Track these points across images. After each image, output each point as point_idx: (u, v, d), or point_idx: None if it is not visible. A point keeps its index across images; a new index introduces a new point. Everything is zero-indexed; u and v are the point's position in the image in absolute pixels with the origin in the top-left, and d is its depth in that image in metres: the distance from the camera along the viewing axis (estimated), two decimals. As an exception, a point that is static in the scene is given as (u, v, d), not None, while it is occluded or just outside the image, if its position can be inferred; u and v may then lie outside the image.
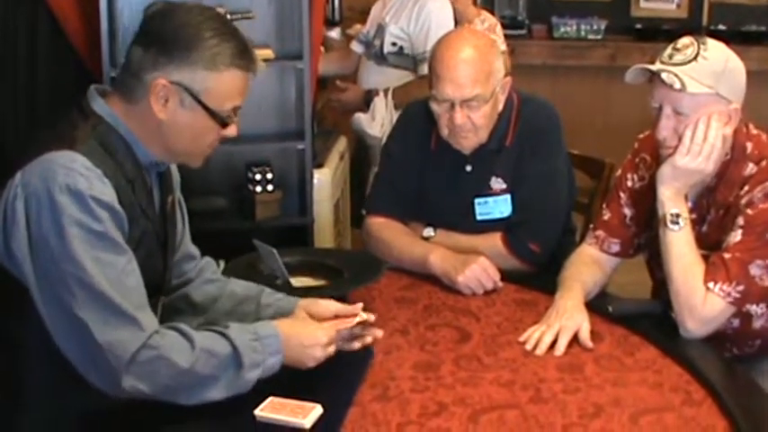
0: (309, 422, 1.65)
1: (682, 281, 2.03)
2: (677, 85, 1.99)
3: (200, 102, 1.71)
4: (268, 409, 1.68)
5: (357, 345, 1.90)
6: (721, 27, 6.16)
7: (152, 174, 1.82)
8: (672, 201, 2.07)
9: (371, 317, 1.92)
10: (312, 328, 1.82)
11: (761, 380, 2.07)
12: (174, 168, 1.94)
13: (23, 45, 3.16)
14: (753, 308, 2.12)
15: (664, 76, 2.01)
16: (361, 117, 3.82)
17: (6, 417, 1.68)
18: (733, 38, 5.46)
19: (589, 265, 2.29)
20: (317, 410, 1.67)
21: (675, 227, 2.05)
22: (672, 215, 2.05)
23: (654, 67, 2.05)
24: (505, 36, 4.19)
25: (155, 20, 1.74)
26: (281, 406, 1.69)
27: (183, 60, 1.69)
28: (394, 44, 3.80)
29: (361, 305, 1.94)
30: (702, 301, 2.00)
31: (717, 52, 2.04)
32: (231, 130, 1.80)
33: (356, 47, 4.11)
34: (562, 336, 1.99)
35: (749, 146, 2.10)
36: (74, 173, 1.60)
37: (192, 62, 1.69)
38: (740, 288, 2.00)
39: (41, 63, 3.21)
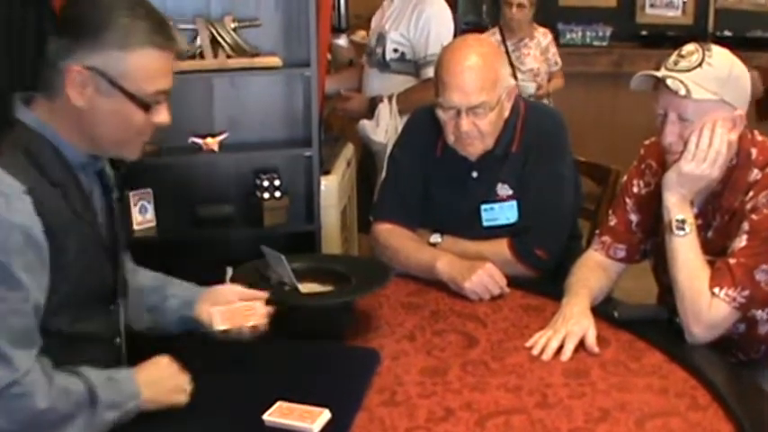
0: (318, 427, 1.66)
1: (687, 286, 2.04)
2: (682, 92, 2.00)
3: (117, 85, 1.62)
4: (276, 414, 1.69)
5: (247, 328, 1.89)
6: (726, 33, 6.18)
7: (89, 174, 1.74)
8: (677, 207, 2.07)
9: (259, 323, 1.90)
10: (170, 372, 1.73)
11: (767, 385, 2.08)
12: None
13: (31, 46, 3.17)
14: (758, 313, 2.13)
15: (669, 82, 2.02)
16: (366, 124, 3.86)
17: None
18: (738, 44, 5.46)
19: (595, 270, 2.29)
20: (324, 415, 1.68)
21: (681, 232, 2.06)
22: (678, 221, 2.06)
23: (659, 74, 2.06)
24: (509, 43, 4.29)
25: (67, 6, 1.66)
26: (290, 410, 1.69)
27: (95, 43, 1.59)
28: (395, 50, 3.85)
29: (266, 294, 1.94)
30: (708, 307, 2.01)
31: (722, 59, 2.05)
32: (161, 117, 1.70)
33: (365, 59, 4.17)
34: (568, 341, 2.00)
35: (754, 152, 2.11)
36: None
37: (103, 44, 1.59)
38: (745, 293, 2.00)
39: (48, 70, 3.22)
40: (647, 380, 1.88)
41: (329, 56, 4.42)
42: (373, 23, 4.13)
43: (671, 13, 6.53)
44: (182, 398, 1.70)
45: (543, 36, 5.33)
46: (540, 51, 5.28)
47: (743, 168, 2.10)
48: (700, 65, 2.03)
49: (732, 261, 2.03)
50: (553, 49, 5.37)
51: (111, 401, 1.61)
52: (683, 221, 2.06)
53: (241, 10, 3.44)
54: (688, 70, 2.03)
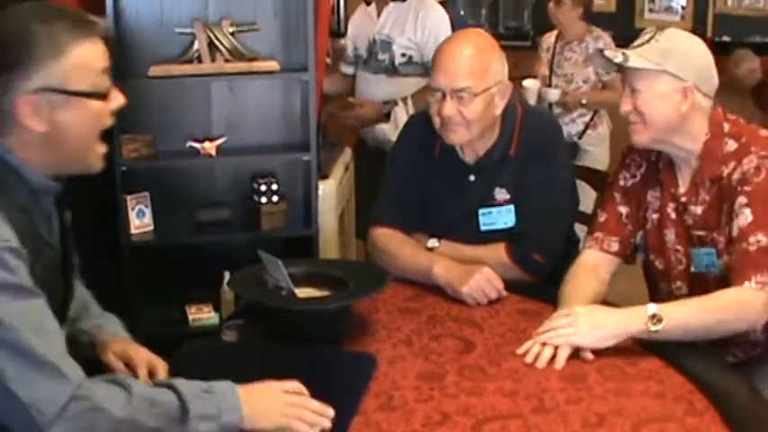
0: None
1: (718, 320, 2.02)
2: (618, 59, 2.13)
3: (68, 92, 1.58)
4: None
5: None
6: (725, 38, 6.17)
7: (49, 199, 1.71)
8: (629, 325, 2.00)
9: None
10: (277, 392, 1.69)
11: (766, 384, 2.08)
12: None
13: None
14: None
15: (607, 52, 2.20)
16: (384, 128, 3.88)
17: None
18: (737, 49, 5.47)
19: (587, 277, 2.29)
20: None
21: (659, 325, 1.98)
22: (651, 319, 1.98)
23: (607, 52, 2.22)
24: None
25: None
26: None
27: (29, 66, 1.55)
28: (403, 55, 3.90)
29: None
30: (746, 306, 2.02)
31: (672, 37, 2.17)
32: (116, 100, 1.67)
33: (347, 69, 4.22)
34: (561, 350, 1.99)
35: (726, 125, 2.18)
36: None
37: (37, 62, 1.55)
38: None
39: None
40: (644, 385, 1.88)
41: (328, 60, 4.41)
42: (356, 30, 4.16)
43: (670, 17, 6.52)
44: (285, 421, 1.64)
45: (595, 41, 4.71)
46: (584, 57, 4.72)
47: (716, 138, 2.17)
48: (648, 41, 2.16)
49: (749, 247, 2.05)
50: None
51: (203, 413, 1.56)
52: (653, 316, 1.98)
53: (239, 14, 3.44)
54: (638, 46, 2.17)
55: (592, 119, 4.78)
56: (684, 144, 2.18)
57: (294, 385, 1.71)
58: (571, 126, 4.73)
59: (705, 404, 1.79)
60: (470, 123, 2.43)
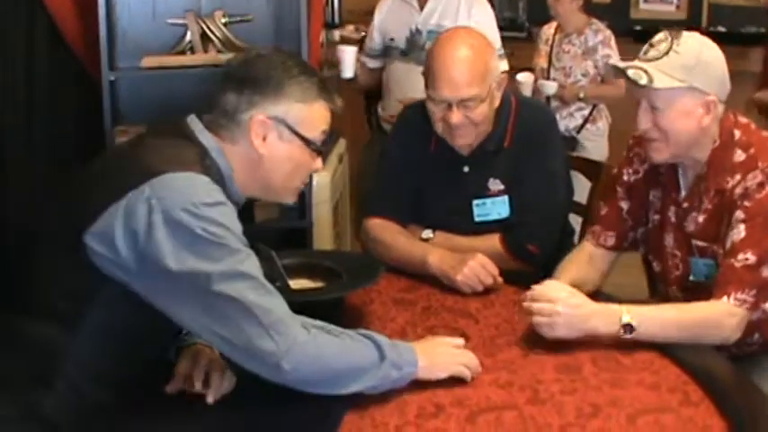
0: None
1: (692, 334, 1.99)
2: (643, 81, 2.03)
3: (296, 132, 1.82)
4: None
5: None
6: (720, 29, 6.18)
7: None
8: (599, 327, 1.98)
9: None
10: (446, 346, 1.91)
11: (761, 378, 2.08)
12: None
13: (21, 46, 3.16)
14: None
15: (630, 72, 2.06)
16: None
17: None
18: (732, 39, 5.47)
19: (580, 263, 2.31)
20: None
21: (630, 335, 1.96)
22: (624, 327, 1.96)
23: (621, 65, 2.10)
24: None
25: (242, 66, 1.85)
26: None
27: (278, 96, 1.80)
28: None
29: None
30: (720, 325, 2.00)
31: (690, 45, 2.07)
32: (318, 164, 1.92)
33: (373, 62, 4.07)
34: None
35: (737, 133, 2.13)
36: (208, 190, 1.69)
37: (286, 96, 1.81)
38: (753, 292, 2.01)
39: (39, 64, 3.21)
40: (640, 375, 1.87)
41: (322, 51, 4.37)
42: (389, 20, 3.96)
43: (665, 8, 6.53)
44: (457, 369, 1.83)
45: (594, 34, 4.67)
46: (583, 50, 4.67)
47: (726, 149, 2.11)
48: (667, 53, 2.05)
49: (735, 263, 2.02)
50: (605, 51, 4.65)
51: (394, 361, 1.76)
52: (627, 325, 1.96)
53: (232, 5, 3.42)
54: (655, 59, 2.06)
55: (591, 113, 4.71)
56: (695, 153, 2.14)
57: (457, 341, 1.93)
58: (569, 120, 4.67)
59: (700, 395, 1.78)
60: (479, 125, 2.44)
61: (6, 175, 3.08)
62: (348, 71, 3.92)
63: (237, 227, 1.72)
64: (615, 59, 4.51)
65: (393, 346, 1.78)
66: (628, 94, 4.43)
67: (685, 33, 2.10)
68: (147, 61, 3.27)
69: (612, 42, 4.67)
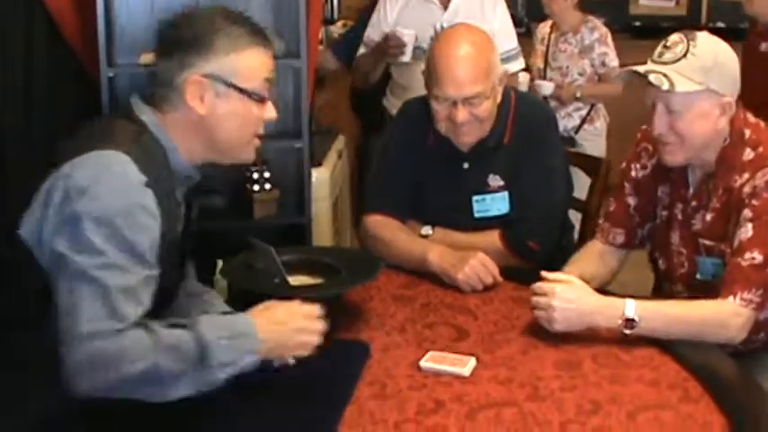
0: (468, 371, 1.85)
1: (693, 332, 1.99)
2: (665, 87, 2.02)
3: (233, 86, 1.77)
4: (431, 361, 1.88)
5: None
6: (720, 24, 6.17)
7: (182, 190, 1.87)
8: (600, 321, 1.99)
9: None
10: (287, 307, 1.79)
11: (762, 375, 2.08)
12: None
13: (20, 43, 3.16)
14: None
15: (652, 77, 2.04)
16: None
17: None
18: (731, 35, 5.45)
19: (590, 258, 2.32)
20: (472, 362, 1.87)
21: (631, 330, 1.96)
22: (626, 322, 1.96)
23: (641, 69, 2.08)
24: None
25: (168, 30, 1.82)
26: (442, 358, 1.89)
27: (207, 52, 1.75)
28: None
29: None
30: (726, 325, 2.00)
31: (706, 47, 2.06)
32: (270, 112, 1.86)
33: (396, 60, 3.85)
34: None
35: (747, 132, 2.12)
36: (121, 177, 1.64)
37: (215, 51, 1.75)
38: (760, 292, 2.01)
39: (38, 62, 3.20)
40: (639, 372, 1.87)
41: (321, 47, 4.36)
42: (409, 18, 3.78)
43: (664, 4, 6.53)
44: (291, 354, 1.77)
45: (590, 32, 4.61)
46: (579, 49, 4.61)
47: (736, 147, 2.11)
48: (684, 55, 2.04)
49: (742, 262, 2.02)
50: (602, 49, 4.58)
51: (223, 362, 1.64)
52: (629, 320, 1.96)
53: (230, 1, 3.39)
54: (673, 62, 2.04)
55: (588, 113, 4.67)
56: (706, 153, 2.13)
57: (310, 310, 1.79)
58: (567, 120, 4.63)
59: (700, 392, 1.79)
60: (484, 121, 2.44)
61: (6, 174, 3.08)
62: (407, 55, 3.72)
63: (138, 222, 1.63)
64: (612, 57, 4.53)
65: (226, 341, 1.65)
66: (624, 92, 4.46)
67: (699, 34, 2.09)
68: (146, 58, 3.26)
69: (609, 40, 4.62)
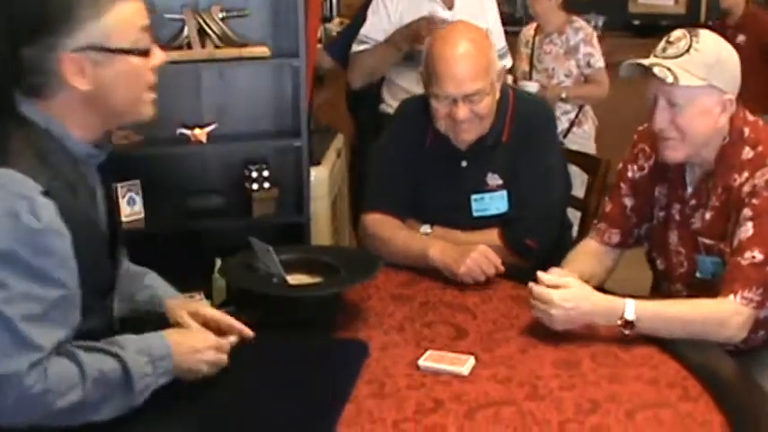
0: (467, 370, 1.84)
1: (697, 331, 1.98)
2: (669, 80, 2.02)
3: (109, 50, 1.63)
4: (430, 360, 1.88)
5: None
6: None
7: (92, 168, 1.76)
8: (599, 321, 2.00)
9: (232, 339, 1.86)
10: (202, 336, 1.80)
11: (761, 374, 2.08)
12: None
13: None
14: None
15: (656, 70, 2.04)
16: None
17: None
18: (730, 33, 5.46)
19: (586, 256, 2.32)
20: (470, 361, 1.86)
21: (630, 330, 1.96)
22: (626, 324, 1.96)
23: (646, 62, 2.08)
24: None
25: (21, 15, 1.64)
26: (441, 357, 1.89)
27: (70, 25, 1.60)
28: None
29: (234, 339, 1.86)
30: (725, 324, 1.99)
31: (709, 44, 2.07)
32: (157, 58, 1.73)
33: (361, 47, 3.86)
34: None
35: (746, 130, 2.13)
36: (19, 199, 1.53)
37: (78, 21, 1.61)
38: (760, 291, 2.00)
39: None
40: (638, 371, 1.87)
41: (319, 45, 4.36)
42: (406, 17, 3.70)
43: (664, 2, 6.53)
44: (196, 376, 1.74)
45: (575, 32, 4.56)
46: (565, 50, 4.57)
47: (735, 146, 2.11)
48: (687, 51, 2.05)
49: (742, 261, 2.02)
50: (587, 49, 4.54)
51: (146, 385, 1.65)
52: (628, 322, 1.96)
53: (229, 1, 3.41)
54: (676, 57, 2.05)
55: (577, 116, 4.64)
56: (705, 151, 2.13)
57: (221, 344, 1.79)
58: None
59: (699, 390, 1.78)
60: (484, 118, 2.44)
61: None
62: None
63: (43, 245, 1.54)
64: (598, 58, 4.51)
65: (150, 365, 1.66)
66: (610, 94, 4.45)
67: (701, 31, 2.10)
68: None
69: (595, 40, 4.58)
